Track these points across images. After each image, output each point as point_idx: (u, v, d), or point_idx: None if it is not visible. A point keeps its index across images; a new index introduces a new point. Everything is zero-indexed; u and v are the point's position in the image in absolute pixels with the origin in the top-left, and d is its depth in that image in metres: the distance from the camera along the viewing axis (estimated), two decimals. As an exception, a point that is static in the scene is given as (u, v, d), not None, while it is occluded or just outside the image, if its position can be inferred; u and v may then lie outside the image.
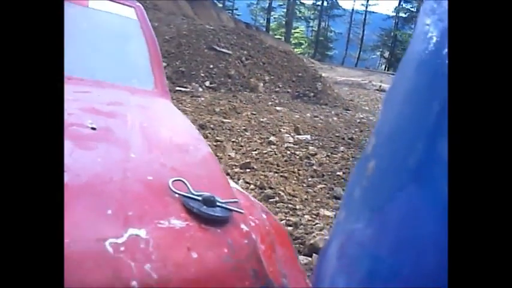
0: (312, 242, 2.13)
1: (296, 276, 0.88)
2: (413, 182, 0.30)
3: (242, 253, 0.73)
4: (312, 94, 8.04)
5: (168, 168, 0.90)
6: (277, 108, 6.49)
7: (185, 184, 0.79)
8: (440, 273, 0.28)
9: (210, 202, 0.76)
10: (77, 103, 1.14)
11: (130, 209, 0.72)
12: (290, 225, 2.39)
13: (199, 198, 0.76)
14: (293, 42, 36.56)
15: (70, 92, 1.15)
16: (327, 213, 2.66)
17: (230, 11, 32.11)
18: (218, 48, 8.10)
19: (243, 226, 0.79)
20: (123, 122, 1.11)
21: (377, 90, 14.16)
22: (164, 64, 7.29)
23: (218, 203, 0.77)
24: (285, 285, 0.78)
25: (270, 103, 6.89)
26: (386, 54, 40.40)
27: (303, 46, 41.07)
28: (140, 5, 1.86)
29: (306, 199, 2.92)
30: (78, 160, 0.83)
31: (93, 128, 0.97)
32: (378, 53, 42.40)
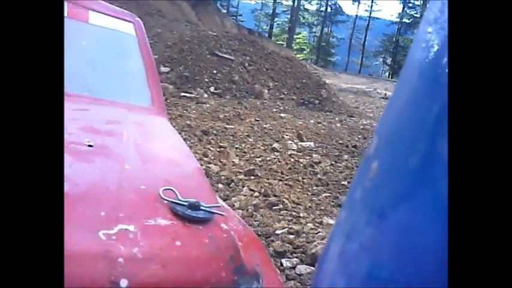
0: (313, 251, 2.12)
1: (269, 271, 0.99)
2: (414, 182, 0.31)
3: (221, 243, 0.83)
4: (317, 101, 8.05)
5: (160, 179, 0.99)
6: (282, 114, 6.50)
7: (174, 192, 0.88)
8: (440, 273, 0.28)
9: (194, 206, 0.85)
10: (76, 122, 1.20)
11: (122, 211, 0.81)
12: (292, 234, 2.37)
13: (186, 203, 0.85)
14: (295, 48, 36.70)
15: (69, 109, 1.20)
16: (331, 221, 2.65)
17: (234, 17, 32.30)
18: (220, 54, 8.13)
19: (223, 225, 0.88)
20: (119, 139, 1.20)
21: (382, 98, 14.17)
22: (168, 69, 7.35)
23: (202, 207, 0.86)
24: (258, 271, 0.86)
25: (274, 110, 6.90)
26: (389, 60, 40.48)
27: (304, 52, 41.24)
28: (139, 20, 1.89)
29: (310, 207, 2.91)
30: (76, 171, 0.92)
31: (90, 146, 1.06)
32: (381, 59, 42.50)
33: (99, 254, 0.69)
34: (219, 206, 0.93)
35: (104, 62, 1.66)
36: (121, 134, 1.23)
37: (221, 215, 0.89)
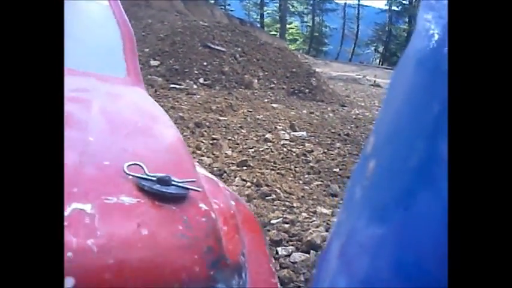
0: (309, 238, 2.14)
1: (259, 258, 0.88)
2: (414, 181, 0.30)
3: (199, 230, 0.71)
4: (307, 90, 8.04)
5: (128, 153, 0.87)
6: (274, 105, 6.49)
7: (142, 168, 0.77)
8: (440, 273, 0.28)
9: (164, 181, 0.74)
10: None
11: (76, 186, 0.68)
12: (287, 223, 2.39)
13: (154, 178, 0.74)
14: (288, 38, 36.47)
15: None
16: (324, 210, 2.67)
17: (223, 7, 31.98)
18: (212, 46, 8.06)
19: (201, 205, 0.76)
20: (85, 107, 1.06)
21: (372, 85, 14.18)
22: (158, 62, 7.28)
23: (173, 182, 0.75)
24: (242, 262, 0.75)
25: (266, 100, 6.88)
26: (381, 49, 40.43)
27: (297, 42, 40.99)
28: None
29: (302, 196, 2.93)
30: None
31: None
32: (372, 48, 42.42)
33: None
34: (194, 181, 0.81)
35: (76, 32, 1.56)
36: (88, 102, 1.10)
37: (196, 190, 0.77)
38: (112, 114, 1.11)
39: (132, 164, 0.77)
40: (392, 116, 0.35)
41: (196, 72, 7.35)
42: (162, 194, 0.72)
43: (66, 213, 0.62)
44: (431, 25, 0.32)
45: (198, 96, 6.11)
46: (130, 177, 0.75)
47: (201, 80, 7.23)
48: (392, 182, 0.32)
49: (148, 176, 0.75)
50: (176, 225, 0.69)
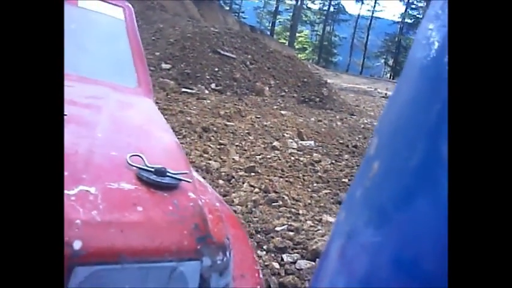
0: (314, 247, 2.12)
1: (242, 248, 0.99)
2: (415, 182, 0.31)
3: (187, 211, 0.80)
4: (318, 99, 8.05)
5: (132, 147, 0.97)
6: (282, 112, 6.49)
7: (142, 159, 0.87)
8: (440, 273, 0.28)
9: (160, 172, 0.84)
10: None
11: (85, 174, 0.79)
12: (292, 231, 2.38)
13: (152, 169, 0.84)
14: (297, 47, 36.63)
15: None
16: (330, 219, 2.65)
17: (236, 14, 32.25)
18: (222, 52, 8.12)
19: (190, 194, 0.86)
20: (97, 111, 1.19)
21: (383, 97, 14.16)
22: (169, 66, 7.34)
23: (168, 174, 0.85)
24: (227, 243, 0.83)
25: (275, 107, 6.89)
26: (391, 61, 40.41)
27: (306, 51, 41.14)
28: (129, 6, 1.93)
29: (309, 203, 2.91)
30: None
31: (64, 115, 1.03)
32: (382, 61, 42.43)
33: None
34: (187, 173, 0.91)
35: (92, 44, 1.69)
36: (99, 107, 1.23)
37: (187, 181, 0.87)
38: (120, 118, 1.23)
39: (134, 155, 0.88)
40: (395, 117, 0.35)
41: (208, 77, 7.39)
42: (157, 183, 0.82)
43: (73, 192, 0.73)
44: (433, 33, 0.33)
45: (208, 101, 6.13)
46: (132, 167, 0.85)
47: (213, 86, 7.27)
48: (392, 182, 0.33)
49: (147, 167, 0.85)
50: (167, 206, 0.79)
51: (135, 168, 0.85)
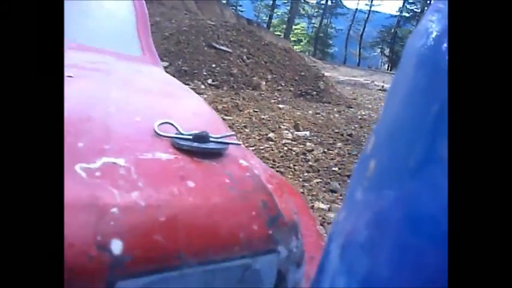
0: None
1: (305, 220, 0.78)
2: (414, 181, 0.30)
3: (246, 184, 0.61)
4: (315, 93, 8.03)
5: (158, 111, 0.80)
6: (280, 105, 6.49)
7: (174, 126, 0.69)
8: (440, 273, 0.28)
9: (202, 138, 0.66)
10: None
11: (108, 144, 0.60)
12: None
13: (190, 137, 0.67)
14: (293, 39, 36.36)
15: None
16: (322, 206, 2.69)
17: (234, 7, 32.03)
18: (217, 46, 8.06)
19: (241, 161, 0.67)
20: (106, 73, 1.01)
21: (380, 90, 14.12)
22: (166, 64, 7.30)
23: (211, 139, 0.68)
24: (297, 221, 0.64)
25: (272, 101, 6.88)
26: (387, 51, 40.15)
27: (302, 43, 40.85)
28: None
29: (302, 192, 2.94)
30: None
31: (69, 76, 0.85)
32: (378, 50, 42.16)
33: (78, 198, 0.47)
34: (233, 134, 0.74)
35: (94, 12, 1.57)
36: (108, 71, 1.05)
37: (237, 144, 0.71)
38: (134, 82, 1.03)
39: (164, 123, 0.69)
40: (393, 115, 0.35)
41: (204, 73, 7.37)
42: (202, 150, 0.65)
43: (95, 165, 0.53)
44: (433, 24, 0.32)
45: (205, 96, 6.13)
46: (164, 137, 0.67)
47: (209, 81, 7.25)
48: (391, 181, 0.32)
49: (184, 134, 0.67)
50: (222, 178, 0.60)
51: (167, 137, 0.66)
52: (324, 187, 3.15)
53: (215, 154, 0.66)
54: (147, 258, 0.47)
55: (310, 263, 0.67)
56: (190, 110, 0.93)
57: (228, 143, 0.69)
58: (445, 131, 0.28)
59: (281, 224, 0.59)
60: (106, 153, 0.57)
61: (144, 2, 1.72)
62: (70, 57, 1.07)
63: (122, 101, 0.81)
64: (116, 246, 0.45)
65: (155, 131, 0.67)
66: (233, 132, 0.77)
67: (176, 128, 0.69)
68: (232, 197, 0.58)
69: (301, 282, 0.64)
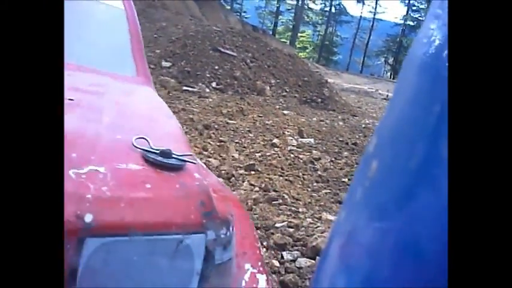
0: (314, 244, 2.11)
1: (244, 225, 1.03)
2: (415, 182, 0.30)
3: (192, 189, 0.83)
4: (320, 100, 8.05)
5: (136, 130, 1.00)
6: (285, 112, 6.50)
7: (147, 141, 0.90)
8: (440, 273, 0.28)
9: (166, 154, 0.87)
10: None
11: (94, 155, 0.83)
12: (291, 227, 2.37)
13: (157, 151, 0.87)
14: (298, 46, 36.63)
15: None
16: (330, 217, 2.65)
17: (238, 14, 32.27)
18: (222, 50, 8.12)
19: (195, 174, 0.88)
20: (101, 97, 1.24)
21: (384, 99, 14.18)
22: (169, 64, 7.34)
23: (174, 155, 0.87)
24: (230, 220, 0.86)
25: (277, 107, 6.90)
26: (391, 60, 40.39)
27: (307, 50, 41.18)
28: None
29: (309, 203, 2.91)
30: None
31: (70, 99, 1.07)
32: (382, 59, 42.42)
33: (68, 190, 0.70)
34: (191, 155, 0.94)
35: (91, 34, 1.71)
36: (102, 93, 1.27)
37: (192, 163, 0.90)
38: (123, 104, 1.25)
39: (139, 138, 0.91)
40: (395, 117, 0.35)
41: (208, 76, 7.39)
42: (163, 164, 0.85)
43: (83, 171, 0.76)
44: (434, 32, 0.33)
45: (210, 100, 6.13)
46: (138, 150, 0.88)
47: (214, 84, 7.27)
48: (392, 182, 0.33)
49: (153, 149, 0.88)
50: (174, 184, 0.83)
51: (140, 150, 0.87)
52: (333, 198, 3.12)
53: (175, 168, 0.86)
54: (106, 226, 0.72)
55: (243, 256, 0.98)
56: (164, 130, 1.19)
57: (185, 161, 0.89)
58: (446, 131, 0.29)
59: (214, 218, 0.82)
60: (92, 162, 0.80)
61: (139, 27, 1.84)
62: (70, 79, 1.29)
63: (110, 122, 1.04)
64: (88, 218, 0.70)
65: (132, 144, 0.89)
66: (192, 153, 0.98)
67: (148, 143, 0.90)
68: (178, 196, 0.81)
69: (230, 265, 0.88)
